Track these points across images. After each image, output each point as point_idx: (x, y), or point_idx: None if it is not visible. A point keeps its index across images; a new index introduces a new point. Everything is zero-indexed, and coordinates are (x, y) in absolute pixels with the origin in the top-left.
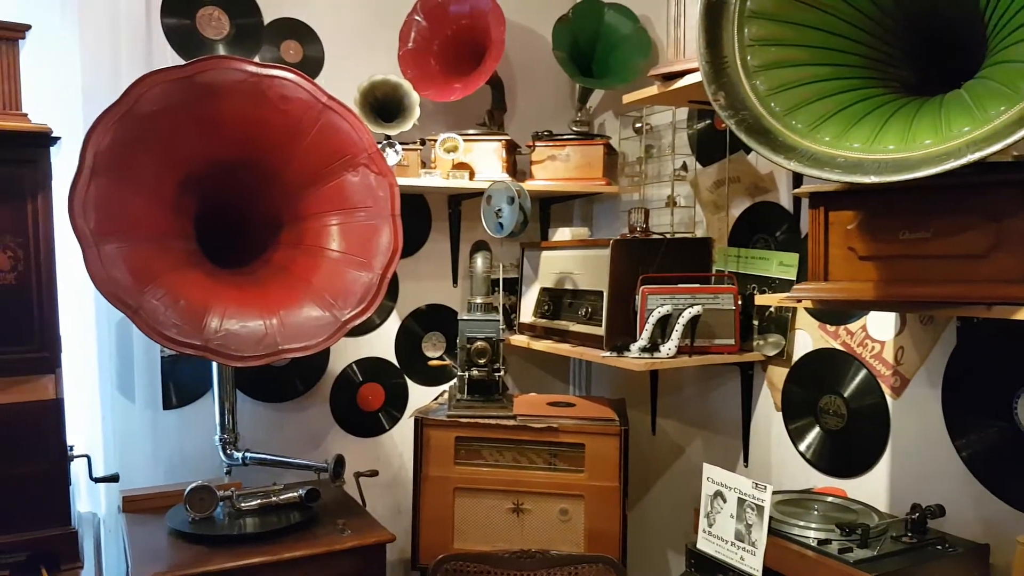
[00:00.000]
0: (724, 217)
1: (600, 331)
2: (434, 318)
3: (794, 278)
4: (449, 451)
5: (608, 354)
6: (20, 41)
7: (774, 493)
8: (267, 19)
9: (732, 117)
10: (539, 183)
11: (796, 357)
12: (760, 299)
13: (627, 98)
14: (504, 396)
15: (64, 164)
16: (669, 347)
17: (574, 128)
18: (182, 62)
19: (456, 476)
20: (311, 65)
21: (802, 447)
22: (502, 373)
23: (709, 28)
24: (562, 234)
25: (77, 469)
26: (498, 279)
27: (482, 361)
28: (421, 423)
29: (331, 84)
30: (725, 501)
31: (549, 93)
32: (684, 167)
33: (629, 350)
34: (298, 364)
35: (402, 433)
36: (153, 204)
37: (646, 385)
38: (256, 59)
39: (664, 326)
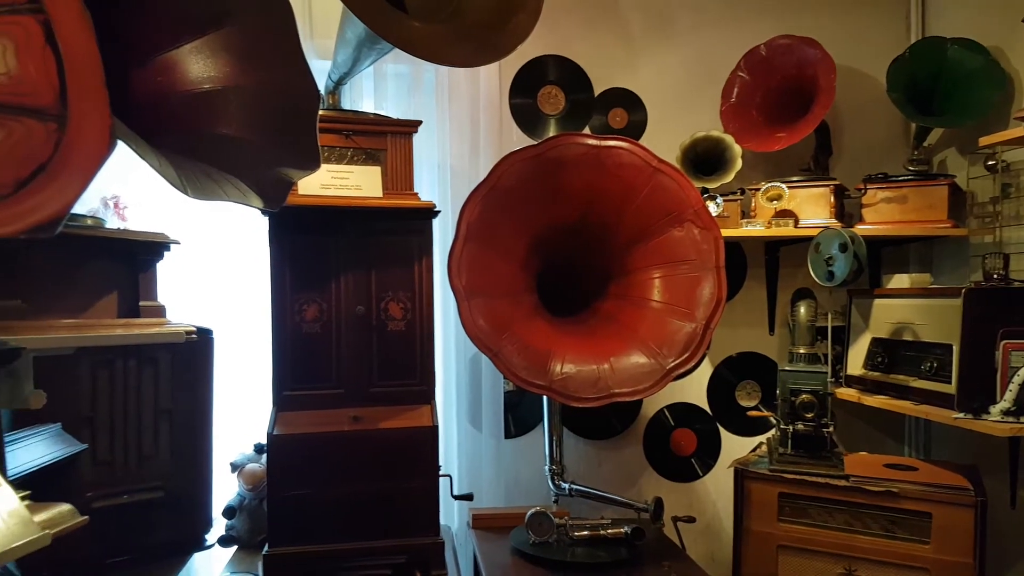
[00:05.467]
0: None
1: (949, 389)
2: (748, 366)
3: None
4: (772, 507)
5: (961, 415)
6: (412, 135)
7: None
8: (597, 91)
9: None
10: (870, 227)
11: None
12: None
13: (984, 140)
14: (832, 454)
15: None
16: None
17: (910, 168)
18: (525, 136)
19: (780, 533)
20: (634, 128)
21: None
22: (831, 429)
23: None
24: (899, 280)
25: None
26: (824, 327)
27: (808, 415)
28: (742, 475)
29: (652, 141)
30: None
31: (878, 133)
32: None
33: (988, 412)
34: (615, 405)
35: (715, 481)
36: (508, 264)
37: (1003, 452)
38: (587, 128)
39: None
